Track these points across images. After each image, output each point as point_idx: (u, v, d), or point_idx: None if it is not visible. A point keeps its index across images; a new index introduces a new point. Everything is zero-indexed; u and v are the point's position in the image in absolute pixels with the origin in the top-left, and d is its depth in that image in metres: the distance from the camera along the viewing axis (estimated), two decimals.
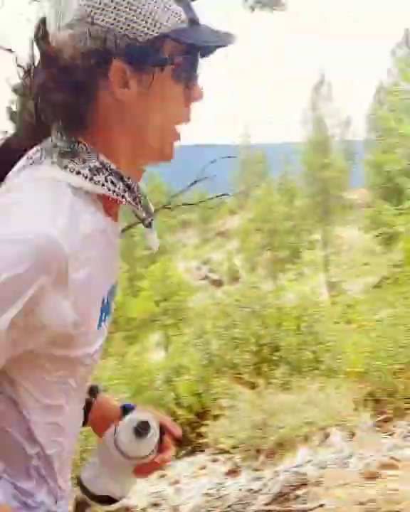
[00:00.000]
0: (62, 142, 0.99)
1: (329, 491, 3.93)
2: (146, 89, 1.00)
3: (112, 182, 1.01)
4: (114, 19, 0.96)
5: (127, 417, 1.16)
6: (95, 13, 0.96)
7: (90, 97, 0.99)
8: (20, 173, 0.99)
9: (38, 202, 0.92)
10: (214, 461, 5.90)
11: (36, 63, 1.00)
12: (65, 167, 0.98)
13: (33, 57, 1.01)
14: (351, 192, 36.13)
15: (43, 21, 1.00)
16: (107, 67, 0.97)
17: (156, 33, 0.98)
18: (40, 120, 1.01)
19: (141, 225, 1.12)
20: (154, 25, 0.97)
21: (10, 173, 1.01)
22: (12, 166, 1.02)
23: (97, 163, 1.00)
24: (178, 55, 1.01)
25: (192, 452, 6.66)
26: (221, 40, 1.04)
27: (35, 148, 1.01)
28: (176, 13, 0.99)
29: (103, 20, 0.96)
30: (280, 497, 4.15)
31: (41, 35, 0.99)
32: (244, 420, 5.92)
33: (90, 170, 0.99)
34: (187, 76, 1.04)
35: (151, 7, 0.97)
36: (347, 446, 4.89)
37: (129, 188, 1.04)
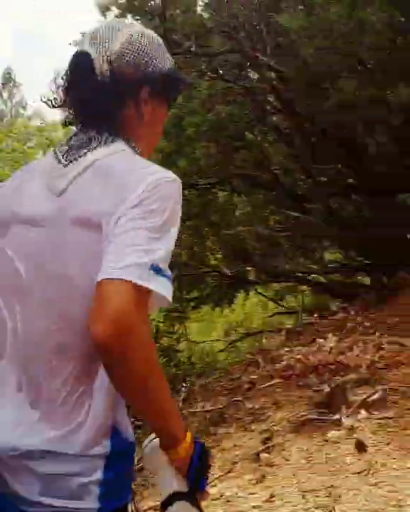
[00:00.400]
0: (110, 138, 1.35)
1: None
2: (157, 108, 1.43)
3: None
4: (144, 59, 1.38)
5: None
6: (132, 53, 1.36)
7: (125, 108, 1.37)
8: (96, 148, 1.32)
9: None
10: None
11: (82, 82, 1.36)
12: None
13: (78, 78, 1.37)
14: None
15: (84, 54, 1.36)
16: (139, 91, 1.38)
17: (166, 71, 1.41)
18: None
19: None
20: (165, 66, 1.41)
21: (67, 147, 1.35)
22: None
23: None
24: (172, 88, 1.47)
25: None
26: (188, 81, 1.77)
27: (90, 132, 1.35)
28: (171, 60, 1.46)
29: (136, 58, 1.37)
30: None
31: (86, 64, 1.35)
32: None
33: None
34: (171, 103, 1.51)
35: (162, 55, 1.42)
36: None
37: None
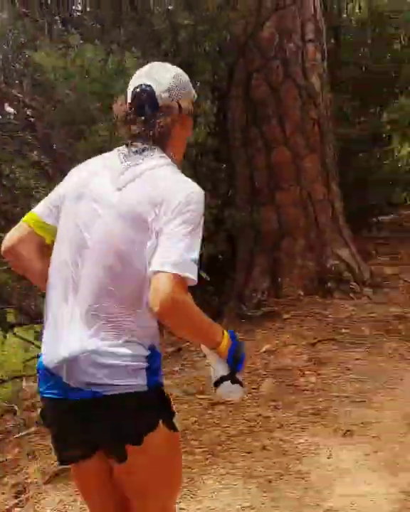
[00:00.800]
0: (158, 150, 1.89)
1: None
2: (188, 128, 2.00)
3: None
4: (185, 90, 1.95)
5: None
6: (179, 83, 1.92)
7: (174, 127, 1.92)
8: (149, 158, 1.86)
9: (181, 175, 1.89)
10: None
11: (148, 110, 1.89)
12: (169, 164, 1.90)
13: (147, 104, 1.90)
14: None
15: (148, 85, 1.89)
16: (182, 113, 1.94)
17: (193, 99, 2.00)
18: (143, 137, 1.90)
19: None
20: (193, 95, 2.00)
21: (120, 155, 1.90)
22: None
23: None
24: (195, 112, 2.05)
25: None
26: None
27: (147, 143, 1.89)
28: (193, 90, 2.01)
29: (181, 90, 1.93)
30: None
31: (150, 95, 1.88)
32: None
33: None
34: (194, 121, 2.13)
35: (191, 87, 1.98)
36: None
37: None
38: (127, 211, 1.78)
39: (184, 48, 5.25)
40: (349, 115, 7.76)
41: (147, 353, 1.81)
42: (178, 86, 1.92)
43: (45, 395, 1.89)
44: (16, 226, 1.99)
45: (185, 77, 1.97)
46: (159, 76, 1.91)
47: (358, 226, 7.27)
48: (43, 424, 2.02)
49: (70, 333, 1.80)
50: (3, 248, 1.98)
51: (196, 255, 1.73)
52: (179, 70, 1.97)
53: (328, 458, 3.40)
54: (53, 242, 1.94)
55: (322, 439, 3.58)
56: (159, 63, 2.00)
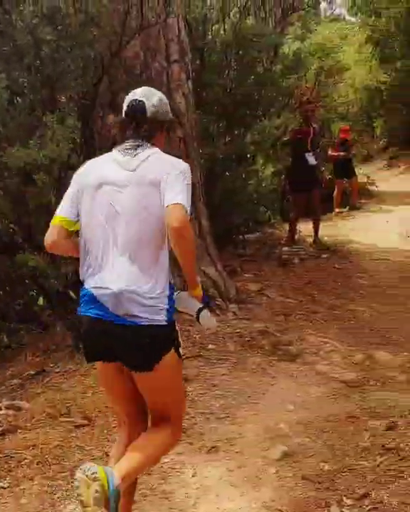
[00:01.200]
0: (148, 145, 2.65)
1: None
2: (164, 136, 2.80)
3: None
4: (166, 109, 2.76)
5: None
6: (162, 103, 2.73)
7: (157, 132, 2.72)
8: (145, 149, 2.62)
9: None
10: None
11: (140, 117, 2.68)
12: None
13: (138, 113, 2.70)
14: None
15: (141, 100, 2.68)
16: (163, 124, 2.76)
17: (170, 116, 2.84)
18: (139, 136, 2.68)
19: None
20: (170, 114, 2.82)
21: (127, 147, 2.65)
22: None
23: None
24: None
25: None
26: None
27: (138, 141, 2.65)
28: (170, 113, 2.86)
29: (164, 108, 2.74)
30: None
31: (142, 107, 2.67)
32: None
33: None
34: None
35: (169, 109, 2.80)
36: None
37: None
38: (146, 181, 2.53)
39: (47, 63, 5.16)
40: (215, 136, 7.93)
41: (168, 292, 2.56)
42: (161, 105, 2.72)
43: (87, 314, 2.58)
44: (51, 229, 2.65)
45: (166, 100, 2.78)
46: (149, 96, 2.70)
47: (224, 244, 7.41)
48: (82, 336, 2.68)
49: (116, 275, 2.52)
50: (48, 247, 2.70)
51: (189, 203, 2.49)
52: (161, 94, 2.76)
53: (193, 476, 3.40)
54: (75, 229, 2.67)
55: (187, 457, 3.58)
56: (148, 88, 2.78)
